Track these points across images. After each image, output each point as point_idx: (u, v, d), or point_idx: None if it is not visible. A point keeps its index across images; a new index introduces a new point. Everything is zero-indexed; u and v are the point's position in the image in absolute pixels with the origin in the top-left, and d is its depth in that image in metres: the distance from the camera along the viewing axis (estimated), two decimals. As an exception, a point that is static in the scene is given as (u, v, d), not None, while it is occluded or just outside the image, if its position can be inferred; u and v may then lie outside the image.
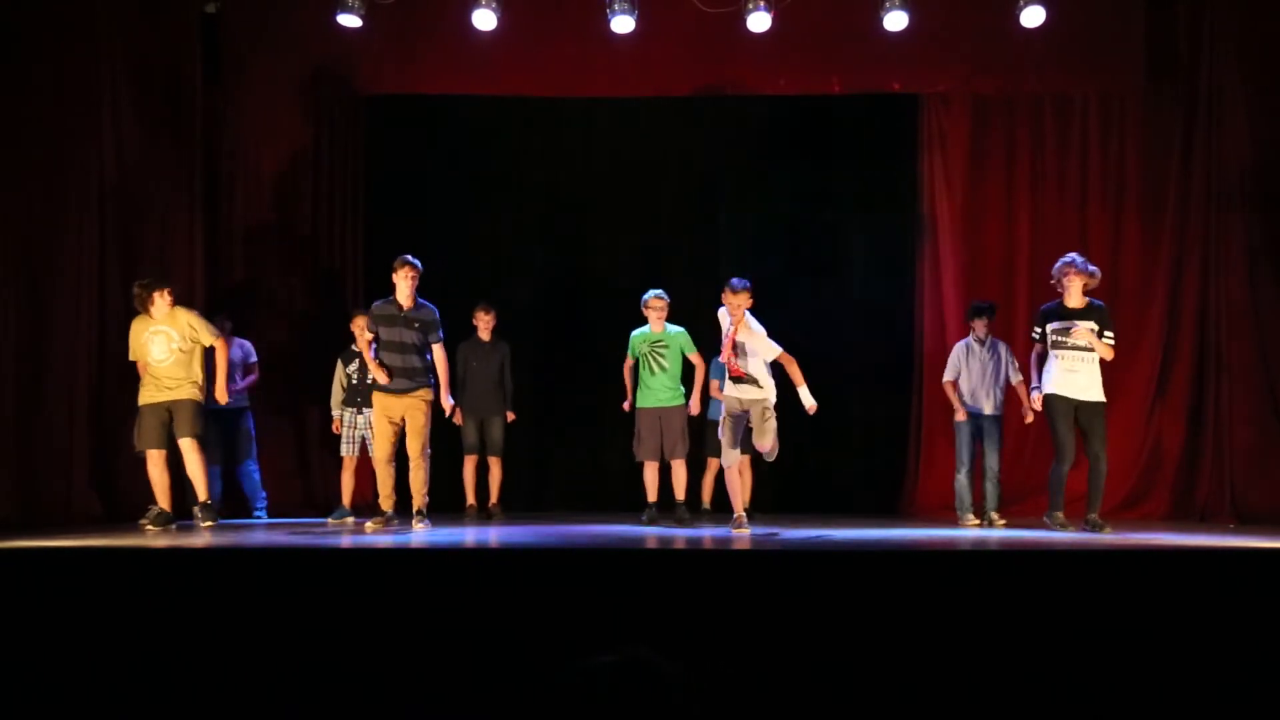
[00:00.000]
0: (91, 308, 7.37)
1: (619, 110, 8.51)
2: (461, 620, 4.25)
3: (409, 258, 6.56)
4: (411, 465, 6.57)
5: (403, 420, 6.53)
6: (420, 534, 6.15)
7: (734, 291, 6.35)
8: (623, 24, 7.64)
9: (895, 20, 7.59)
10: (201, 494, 6.58)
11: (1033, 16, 7.58)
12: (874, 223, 8.61)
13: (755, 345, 6.37)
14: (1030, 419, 7.04)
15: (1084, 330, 6.48)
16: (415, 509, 6.57)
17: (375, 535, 6.00)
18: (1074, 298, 6.58)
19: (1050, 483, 6.69)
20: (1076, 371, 6.53)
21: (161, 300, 6.50)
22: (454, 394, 7.15)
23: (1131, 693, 4.07)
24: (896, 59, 8.01)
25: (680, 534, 6.15)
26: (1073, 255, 6.68)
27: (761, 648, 4.14)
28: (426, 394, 6.58)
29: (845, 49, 8.06)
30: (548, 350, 8.56)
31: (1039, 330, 6.70)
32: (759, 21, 7.60)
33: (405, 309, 6.53)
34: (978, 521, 7.15)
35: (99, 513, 7.13)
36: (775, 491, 8.00)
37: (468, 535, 6.19)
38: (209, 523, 6.49)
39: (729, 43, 7.89)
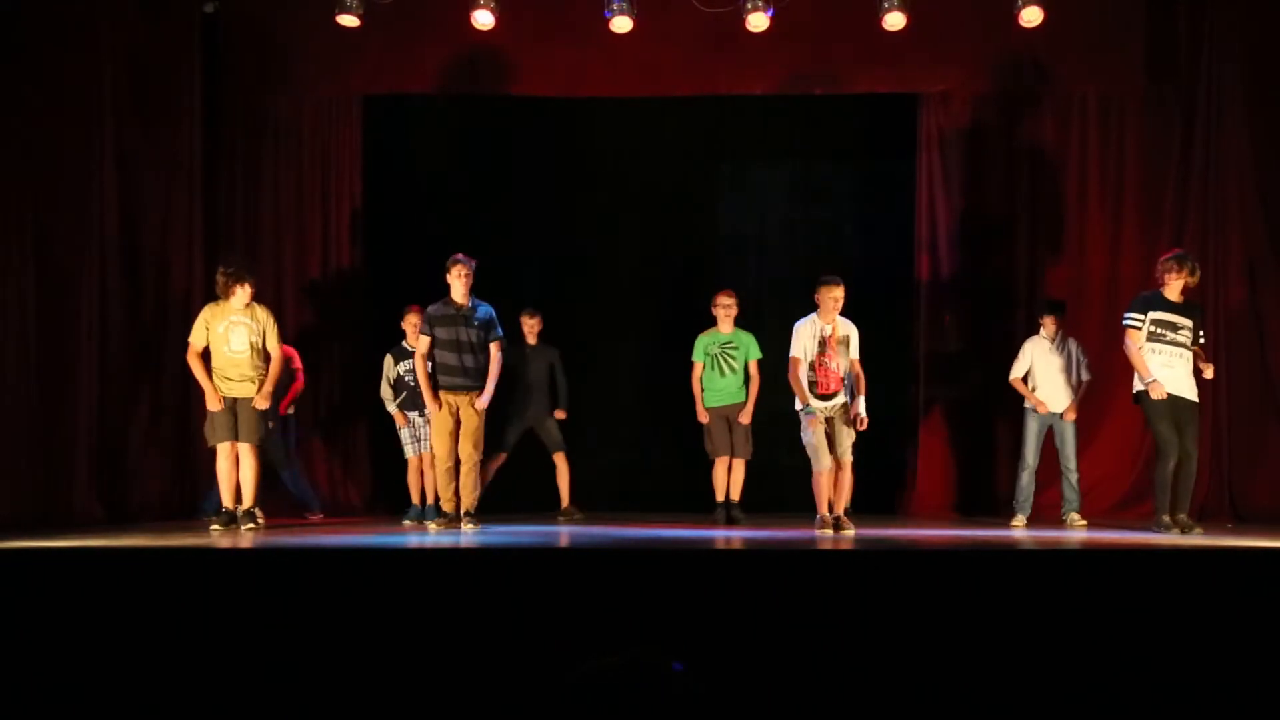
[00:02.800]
0: (92, 308, 7.36)
1: (617, 110, 8.50)
2: (464, 621, 4.26)
3: (461, 256, 6.56)
4: (463, 467, 6.51)
5: (458, 419, 6.51)
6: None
7: (839, 284, 6.38)
8: (621, 24, 7.65)
9: (894, 20, 7.59)
10: (248, 499, 6.49)
11: (1031, 16, 7.58)
12: (872, 222, 8.62)
13: (855, 341, 6.45)
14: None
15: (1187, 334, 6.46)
16: (464, 510, 6.51)
17: (380, 537, 5.93)
18: (1174, 292, 6.46)
19: (1156, 483, 6.50)
20: (1173, 367, 6.39)
21: (243, 291, 6.49)
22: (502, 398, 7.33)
23: (1130, 692, 4.08)
24: (895, 59, 8.02)
25: (696, 535, 6.13)
26: (1180, 251, 6.59)
27: (762, 648, 4.15)
28: (476, 394, 6.55)
29: (843, 49, 8.06)
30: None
31: (1139, 317, 6.46)
32: (757, 21, 7.61)
33: (462, 307, 6.53)
34: (1024, 523, 7.11)
35: (100, 514, 7.13)
36: (770, 492, 7.99)
37: (469, 537, 6.15)
38: (250, 526, 6.38)
39: (727, 42, 7.90)
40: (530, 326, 7.78)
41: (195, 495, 7.71)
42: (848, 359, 6.44)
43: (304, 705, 4.06)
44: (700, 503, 7.52)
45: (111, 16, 7.50)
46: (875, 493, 8.37)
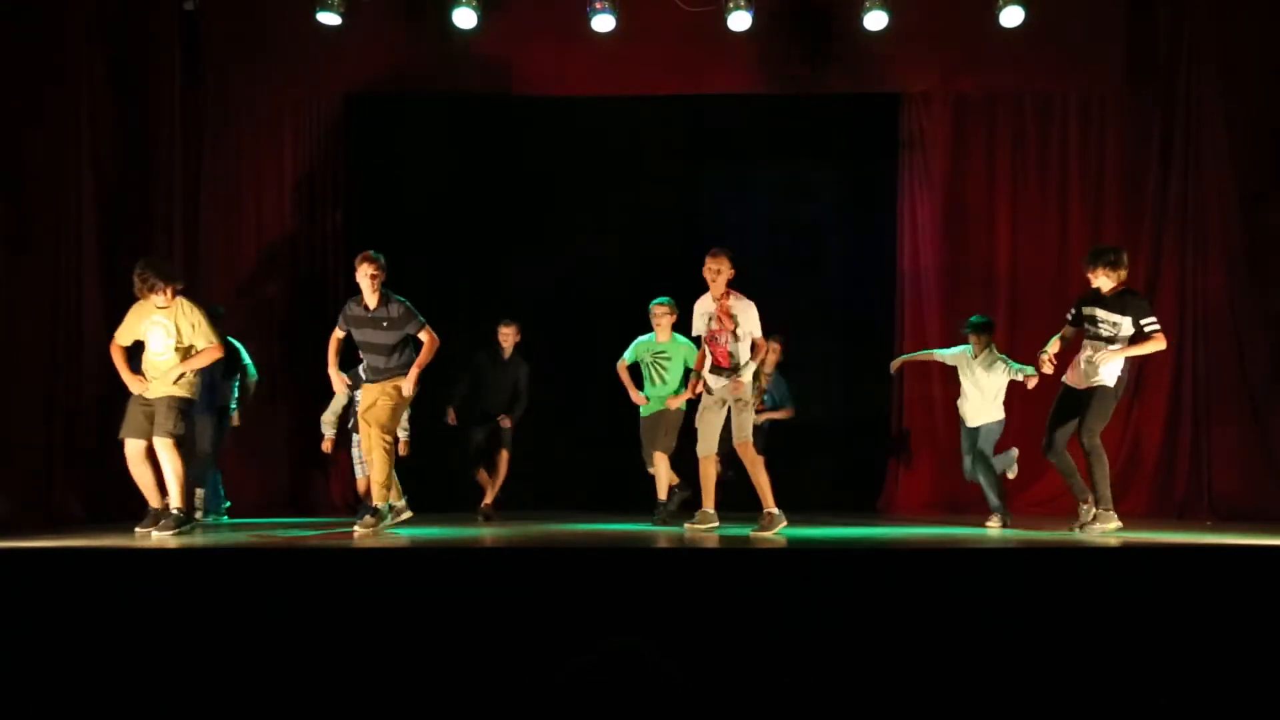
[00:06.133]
0: (70, 307, 7.31)
1: (600, 109, 8.50)
2: (460, 620, 4.25)
3: (369, 253, 6.10)
4: (373, 455, 6.09)
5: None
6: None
7: (714, 255, 6.15)
8: (603, 23, 7.67)
9: (875, 20, 7.62)
10: (174, 499, 6.00)
11: (1012, 16, 7.62)
12: (854, 221, 8.66)
13: (747, 318, 6.15)
14: None
15: None
16: (373, 504, 6.07)
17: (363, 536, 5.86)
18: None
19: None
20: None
21: (159, 295, 6.01)
22: (460, 399, 7.35)
23: (1122, 689, 4.10)
24: (876, 58, 8.05)
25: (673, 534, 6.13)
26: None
27: (759, 647, 4.15)
28: (397, 380, 6.11)
29: (825, 48, 8.09)
30: (528, 347, 8.54)
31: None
32: (739, 21, 7.62)
33: (372, 309, 6.10)
34: None
35: (79, 513, 7.08)
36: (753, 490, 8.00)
37: (463, 535, 6.11)
38: (169, 530, 5.81)
39: (709, 42, 7.91)
40: (506, 336, 7.71)
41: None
42: (738, 342, 6.19)
43: (284, 704, 4.05)
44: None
45: (89, 12, 7.44)
46: (855, 491, 8.42)
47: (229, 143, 8.29)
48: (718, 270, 6.15)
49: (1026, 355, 7.80)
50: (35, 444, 7.12)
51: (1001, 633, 4.27)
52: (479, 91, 8.31)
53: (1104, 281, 6.13)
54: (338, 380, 6.28)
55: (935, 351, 7.24)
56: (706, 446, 6.30)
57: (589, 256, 8.67)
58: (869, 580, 4.56)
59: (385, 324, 6.11)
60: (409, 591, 4.45)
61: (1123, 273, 6.14)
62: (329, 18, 7.60)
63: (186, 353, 6.05)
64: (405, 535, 5.96)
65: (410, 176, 8.63)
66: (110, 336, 7.50)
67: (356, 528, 5.98)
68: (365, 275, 6.05)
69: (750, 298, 6.29)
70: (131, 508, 6.86)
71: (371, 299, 6.11)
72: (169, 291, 6.00)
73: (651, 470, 7.11)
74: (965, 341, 6.98)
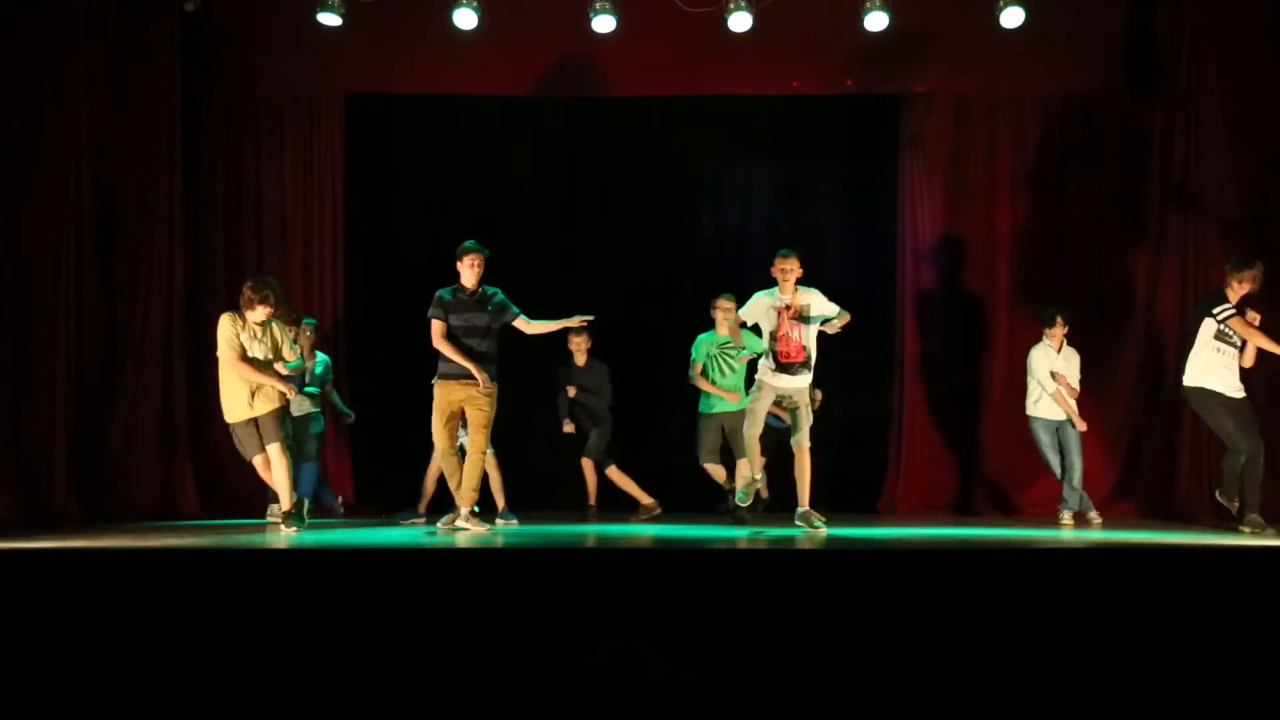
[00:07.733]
0: (68, 307, 7.30)
1: (600, 109, 8.51)
2: (462, 621, 4.25)
3: (472, 244, 6.45)
4: (469, 460, 6.36)
5: (462, 411, 6.38)
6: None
7: (784, 256, 6.36)
8: (604, 23, 7.67)
9: (876, 20, 7.63)
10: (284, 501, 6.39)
11: (1012, 17, 7.63)
12: (855, 222, 8.65)
13: (820, 305, 6.39)
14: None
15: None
16: (465, 507, 6.33)
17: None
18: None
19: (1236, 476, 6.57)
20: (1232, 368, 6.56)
21: (263, 309, 6.30)
22: (567, 407, 7.67)
23: (1123, 689, 4.10)
24: (877, 59, 8.05)
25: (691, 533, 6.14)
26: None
27: (759, 647, 4.15)
28: (490, 387, 6.36)
29: (826, 49, 8.10)
30: (528, 347, 8.53)
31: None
32: (740, 21, 7.63)
33: (477, 293, 6.44)
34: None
35: (78, 513, 7.08)
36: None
37: (474, 536, 6.11)
38: (293, 528, 6.24)
39: (710, 42, 7.91)
40: (578, 345, 7.78)
41: (180, 495, 7.66)
42: (808, 330, 6.40)
43: (285, 705, 4.05)
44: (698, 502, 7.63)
45: (89, 15, 7.43)
46: (856, 491, 8.41)
47: (229, 143, 8.28)
48: (789, 270, 6.35)
49: (1025, 356, 7.82)
50: (35, 444, 7.11)
51: (1002, 633, 4.27)
52: (479, 91, 8.31)
53: (1246, 289, 6.54)
54: (478, 371, 6.35)
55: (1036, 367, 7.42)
56: (756, 430, 6.53)
57: (588, 258, 8.67)
58: (869, 580, 4.57)
59: (490, 306, 6.46)
60: (415, 592, 4.46)
61: None
62: (329, 18, 7.60)
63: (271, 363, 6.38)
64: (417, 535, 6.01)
65: (410, 176, 8.62)
66: (110, 336, 7.55)
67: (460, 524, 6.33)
68: (472, 265, 6.42)
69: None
70: (132, 508, 6.89)
71: (474, 286, 6.46)
72: (270, 309, 6.35)
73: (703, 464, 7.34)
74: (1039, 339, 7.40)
